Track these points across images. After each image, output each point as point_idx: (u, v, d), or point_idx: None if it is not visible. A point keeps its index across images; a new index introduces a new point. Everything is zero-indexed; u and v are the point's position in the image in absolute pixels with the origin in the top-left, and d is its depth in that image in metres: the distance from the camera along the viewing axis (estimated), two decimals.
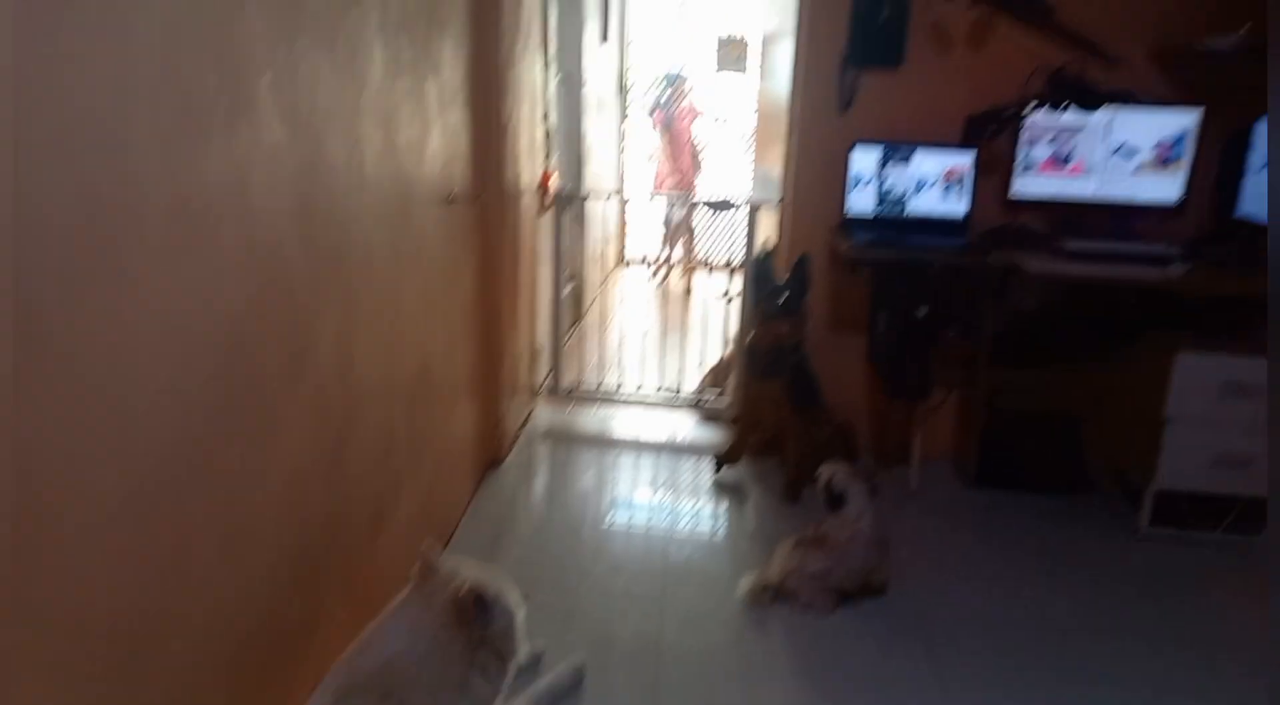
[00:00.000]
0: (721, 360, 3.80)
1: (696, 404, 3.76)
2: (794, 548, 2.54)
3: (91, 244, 1.03)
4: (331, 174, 1.69)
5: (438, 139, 2.38)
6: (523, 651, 1.90)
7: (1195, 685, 2.24)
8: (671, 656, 2.27)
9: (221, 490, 1.35)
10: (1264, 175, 2.83)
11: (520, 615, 1.86)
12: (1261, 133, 2.86)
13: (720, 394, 3.76)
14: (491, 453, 3.28)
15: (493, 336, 3.13)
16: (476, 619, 1.72)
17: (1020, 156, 3.08)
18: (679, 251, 6.37)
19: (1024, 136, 3.05)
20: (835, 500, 2.53)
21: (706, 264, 6.62)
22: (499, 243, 3.03)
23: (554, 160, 3.75)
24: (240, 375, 1.40)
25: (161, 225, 1.16)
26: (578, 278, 4.95)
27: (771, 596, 2.49)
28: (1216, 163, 3.05)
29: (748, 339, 3.23)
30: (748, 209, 3.43)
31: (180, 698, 1.28)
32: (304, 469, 1.64)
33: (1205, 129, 2.97)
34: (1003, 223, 3.20)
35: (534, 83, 3.36)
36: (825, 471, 2.59)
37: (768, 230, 3.61)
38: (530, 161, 3.38)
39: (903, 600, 2.57)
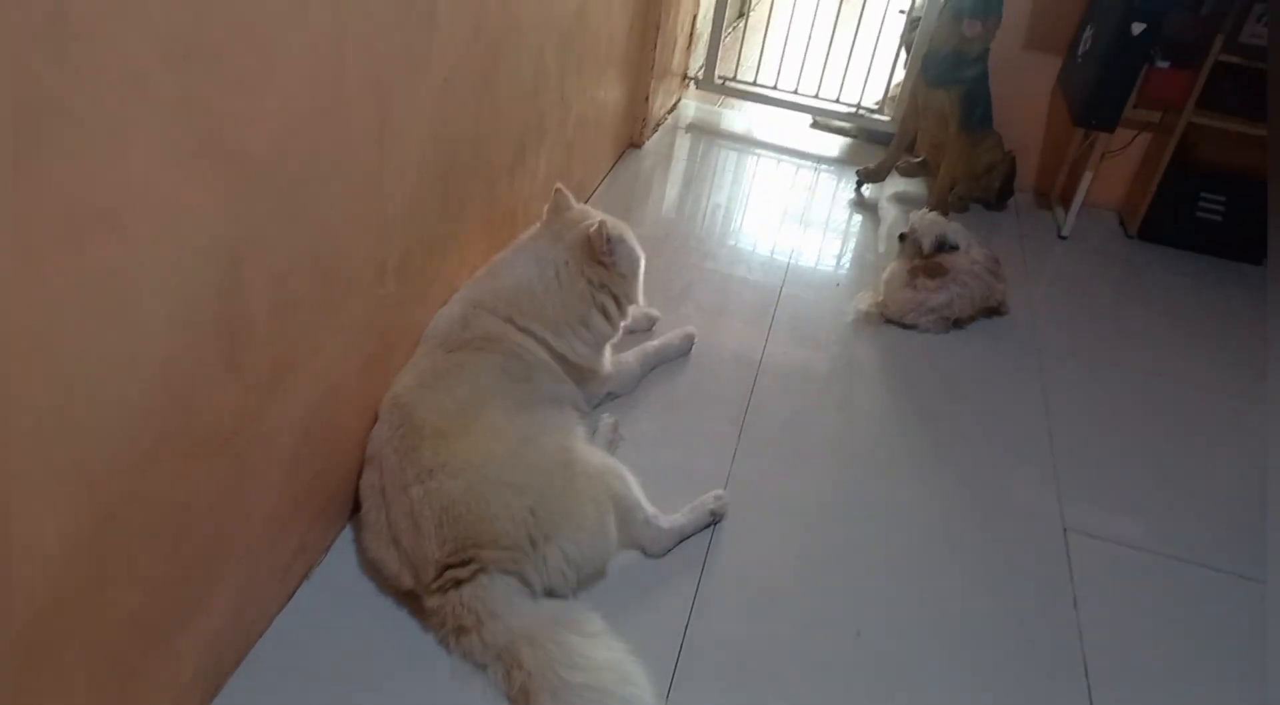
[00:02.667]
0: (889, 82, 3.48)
1: (852, 117, 3.51)
2: (909, 276, 2.47)
3: None
4: None
5: None
6: (641, 301, 1.97)
7: None
8: (775, 347, 2.32)
9: (379, 78, 1.37)
10: None
11: (642, 264, 1.91)
12: None
13: (878, 111, 3.49)
14: (633, 133, 3.22)
15: (653, 2, 2.94)
16: (605, 255, 1.77)
17: None
18: None
19: None
20: (949, 249, 2.44)
21: None
22: None
23: None
24: None
25: None
26: None
27: (882, 320, 2.47)
28: None
29: (930, 39, 2.91)
30: None
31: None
32: (457, 74, 1.63)
33: None
34: None
35: None
36: (932, 225, 2.46)
37: None
38: None
39: (1020, 331, 2.51)
